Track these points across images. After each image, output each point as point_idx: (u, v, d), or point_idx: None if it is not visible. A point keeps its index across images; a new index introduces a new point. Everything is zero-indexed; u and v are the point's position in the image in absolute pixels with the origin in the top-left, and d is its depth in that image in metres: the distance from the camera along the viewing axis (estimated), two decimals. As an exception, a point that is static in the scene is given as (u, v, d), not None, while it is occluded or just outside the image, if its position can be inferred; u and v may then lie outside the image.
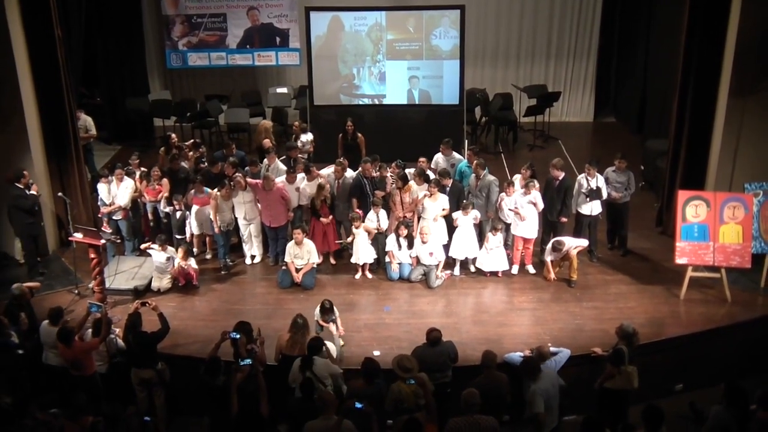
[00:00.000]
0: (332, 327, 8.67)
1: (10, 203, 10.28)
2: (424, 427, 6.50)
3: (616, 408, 7.59)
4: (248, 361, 7.28)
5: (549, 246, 10.08)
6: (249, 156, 12.18)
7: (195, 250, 11.04)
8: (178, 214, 10.63)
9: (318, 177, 10.87)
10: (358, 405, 6.44)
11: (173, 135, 12.35)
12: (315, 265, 10.30)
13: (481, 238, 10.56)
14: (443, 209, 10.34)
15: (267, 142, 12.36)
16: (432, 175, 10.85)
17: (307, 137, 12.85)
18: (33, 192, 10.33)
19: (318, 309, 8.78)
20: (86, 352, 7.92)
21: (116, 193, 10.71)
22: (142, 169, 11.27)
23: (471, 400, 6.64)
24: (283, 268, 10.42)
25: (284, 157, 11.87)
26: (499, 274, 10.45)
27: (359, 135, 12.66)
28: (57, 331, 7.89)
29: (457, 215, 10.29)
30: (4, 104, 10.44)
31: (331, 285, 10.37)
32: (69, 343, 7.78)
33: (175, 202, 10.58)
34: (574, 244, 10.10)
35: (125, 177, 10.79)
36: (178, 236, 10.75)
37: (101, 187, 10.82)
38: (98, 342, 7.99)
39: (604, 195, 10.49)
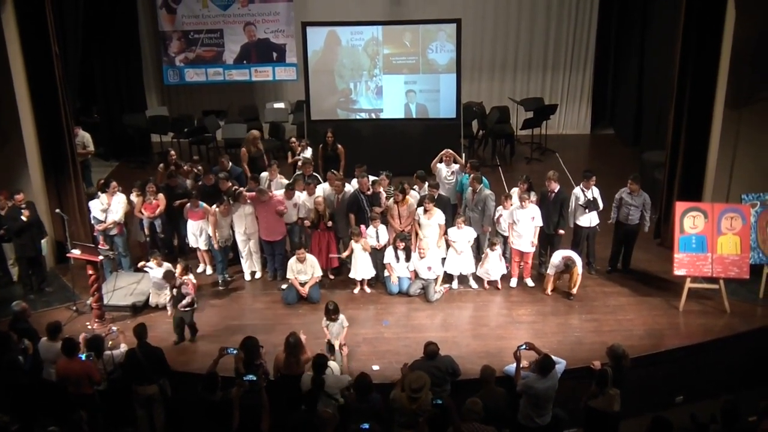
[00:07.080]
0: (335, 341, 8.70)
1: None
2: None
3: (603, 428, 7.52)
4: (251, 376, 7.28)
5: (559, 261, 10.00)
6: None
7: (202, 266, 11.06)
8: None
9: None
10: (365, 426, 6.41)
11: (172, 152, 12.38)
12: (319, 279, 10.31)
13: (479, 252, 10.54)
14: (439, 225, 10.33)
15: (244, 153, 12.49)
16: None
17: (307, 153, 12.87)
18: (23, 217, 10.11)
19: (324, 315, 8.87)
20: (89, 370, 7.79)
21: (109, 208, 10.68)
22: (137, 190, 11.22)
23: (473, 408, 6.67)
24: (283, 287, 10.42)
25: (299, 172, 11.79)
26: (499, 285, 10.45)
27: (339, 146, 12.67)
28: (61, 343, 7.78)
29: (451, 231, 10.28)
30: (1, 121, 10.44)
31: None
32: (72, 355, 7.66)
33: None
34: (580, 263, 10.10)
35: (117, 192, 10.78)
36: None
37: (93, 205, 10.81)
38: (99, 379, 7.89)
39: (600, 206, 10.49)
